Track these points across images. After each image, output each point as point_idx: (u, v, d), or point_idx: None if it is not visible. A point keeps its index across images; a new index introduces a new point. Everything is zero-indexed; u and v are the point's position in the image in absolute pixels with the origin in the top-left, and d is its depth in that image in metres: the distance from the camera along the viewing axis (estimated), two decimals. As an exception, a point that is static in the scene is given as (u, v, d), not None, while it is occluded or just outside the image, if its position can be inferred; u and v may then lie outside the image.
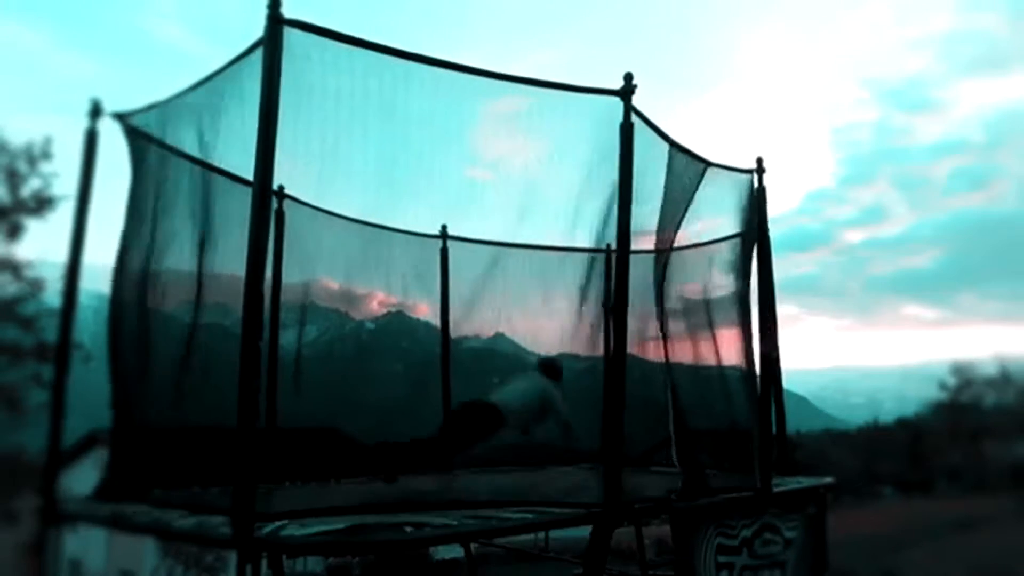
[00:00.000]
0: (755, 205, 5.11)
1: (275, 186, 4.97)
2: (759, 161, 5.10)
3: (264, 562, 4.56)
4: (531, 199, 4.70)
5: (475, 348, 6.51)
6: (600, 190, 4.33)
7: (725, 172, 4.99)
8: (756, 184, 5.12)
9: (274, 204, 5.09)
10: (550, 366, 5.71)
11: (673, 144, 4.42)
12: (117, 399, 3.90)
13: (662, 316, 4.72)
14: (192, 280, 4.00)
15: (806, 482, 5.31)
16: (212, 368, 3.99)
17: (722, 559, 4.17)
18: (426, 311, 6.47)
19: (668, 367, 4.64)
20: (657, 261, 4.80)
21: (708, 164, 4.81)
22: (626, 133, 3.74)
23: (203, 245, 3.95)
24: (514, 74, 3.81)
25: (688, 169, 4.64)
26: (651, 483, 4.49)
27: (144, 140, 4.12)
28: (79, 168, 3.98)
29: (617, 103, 3.79)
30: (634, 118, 3.78)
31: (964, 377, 18.51)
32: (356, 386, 5.94)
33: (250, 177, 3.06)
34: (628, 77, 3.80)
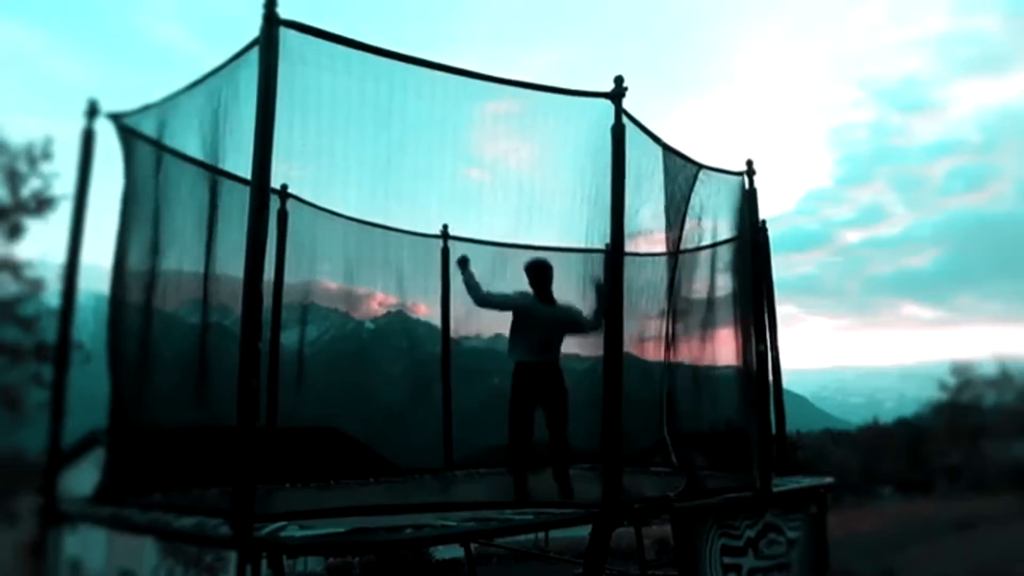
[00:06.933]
0: (747, 206, 5.12)
1: (276, 186, 4.99)
2: (749, 163, 5.12)
3: (264, 562, 4.56)
4: (529, 199, 4.69)
5: (475, 348, 6.50)
6: (595, 190, 4.33)
7: (717, 174, 5.00)
8: (747, 186, 5.13)
9: (277, 203, 5.09)
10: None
11: (665, 147, 4.43)
12: (114, 400, 3.89)
13: (660, 317, 4.72)
14: (189, 280, 3.99)
15: (806, 482, 5.32)
16: (211, 368, 3.99)
17: (728, 560, 4.17)
18: (426, 311, 6.46)
19: (666, 368, 4.64)
20: (655, 263, 4.80)
21: (700, 167, 4.81)
22: (617, 135, 3.76)
23: (200, 245, 3.94)
24: (507, 77, 3.83)
25: (681, 171, 4.65)
26: (650, 483, 4.49)
27: (137, 140, 4.12)
28: (76, 168, 3.99)
29: (611, 105, 3.81)
30: (625, 120, 3.79)
31: (964, 377, 18.46)
32: (356, 386, 5.94)
33: (247, 176, 3.06)
34: (618, 80, 3.83)
